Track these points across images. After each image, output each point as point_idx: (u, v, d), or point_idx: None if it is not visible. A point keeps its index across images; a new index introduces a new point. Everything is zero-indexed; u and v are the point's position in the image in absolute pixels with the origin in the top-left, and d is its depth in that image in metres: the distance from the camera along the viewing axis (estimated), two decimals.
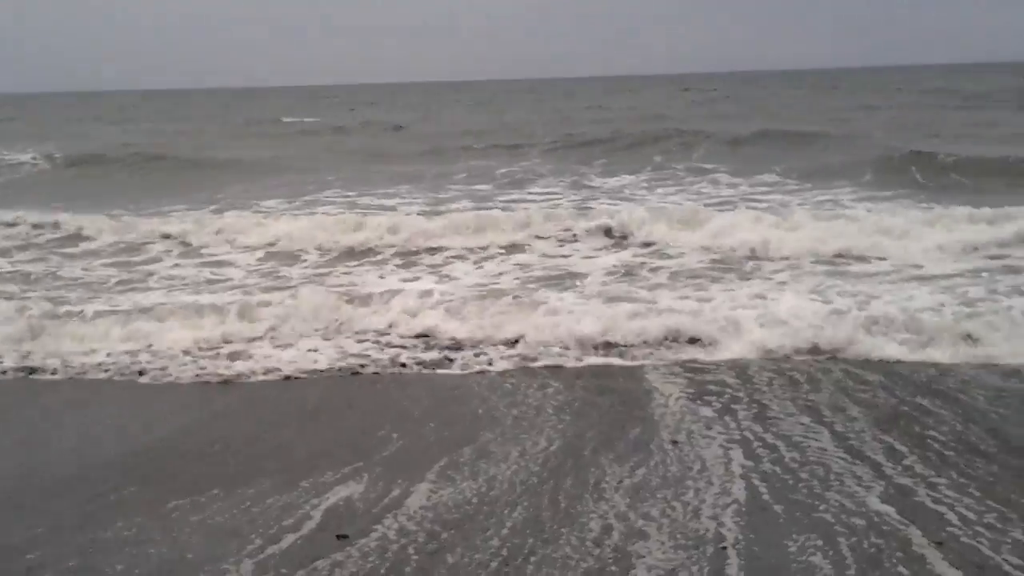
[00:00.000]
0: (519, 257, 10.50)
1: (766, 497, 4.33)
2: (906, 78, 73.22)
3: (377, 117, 43.45)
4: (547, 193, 15.81)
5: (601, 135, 25.04)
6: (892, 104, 37.25)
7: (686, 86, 75.19)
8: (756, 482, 4.50)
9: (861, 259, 9.42)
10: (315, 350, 7.19)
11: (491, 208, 13.84)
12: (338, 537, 4.05)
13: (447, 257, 10.65)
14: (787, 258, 9.43)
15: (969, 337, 6.62)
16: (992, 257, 9.23)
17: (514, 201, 14.90)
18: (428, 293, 8.34)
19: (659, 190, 15.84)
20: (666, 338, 6.95)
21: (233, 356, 7.14)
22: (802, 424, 5.34)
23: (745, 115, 33.68)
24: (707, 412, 5.61)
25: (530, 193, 15.99)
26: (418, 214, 12.82)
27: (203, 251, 11.50)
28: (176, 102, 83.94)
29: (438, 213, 13.11)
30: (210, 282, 9.83)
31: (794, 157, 18.72)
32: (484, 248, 10.82)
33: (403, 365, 6.84)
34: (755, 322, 6.97)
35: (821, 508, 4.20)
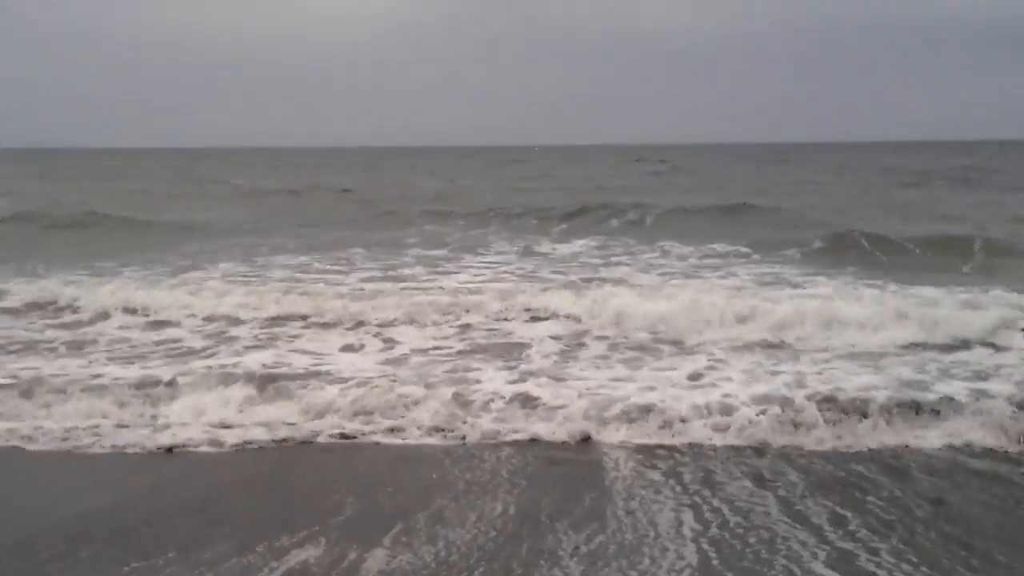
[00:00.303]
0: (466, 319, 10.60)
1: (716, 562, 4.48)
2: (850, 155, 75.30)
3: (327, 181, 43.34)
4: (498, 263, 15.98)
5: (553, 204, 25.44)
6: (838, 180, 38.41)
7: (637, 157, 76.46)
8: (706, 546, 4.67)
9: (801, 339, 9.48)
10: (228, 427, 7.08)
11: (443, 273, 14.11)
12: None
13: (393, 319, 10.61)
14: (729, 340, 9.48)
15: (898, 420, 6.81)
16: (926, 336, 9.37)
17: (465, 267, 15.11)
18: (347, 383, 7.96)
19: (612, 259, 16.15)
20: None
21: (157, 426, 7.07)
22: (746, 488, 5.56)
23: (695, 187, 34.51)
24: (656, 477, 5.79)
25: (482, 261, 16.19)
26: (360, 281, 13.05)
27: (151, 316, 11.26)
28: (129, 161, 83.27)
29: (391, 279, 13.27)
30: (158, 343, 9.78)
31: (742, 232, 19.18)
32: (425, 314, 10.71)
33: (350, 436, 6.81)
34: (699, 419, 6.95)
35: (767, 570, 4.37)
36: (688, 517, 5.10)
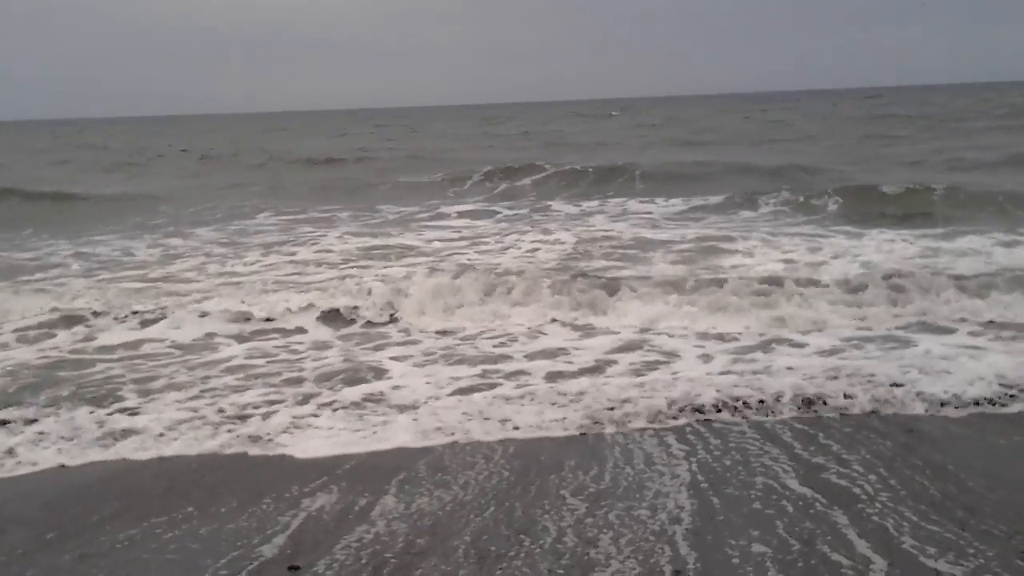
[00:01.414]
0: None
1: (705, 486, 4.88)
2: (838, 103, 75.27)
3: (297, 146, 42.80)
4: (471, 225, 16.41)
5: (526, 162, 25.19)
6: (821, 130, 38.84)
7: (611, 110, 76.54)
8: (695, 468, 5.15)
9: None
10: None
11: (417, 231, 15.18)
12: (290, 568, 4.18)
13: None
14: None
15: None
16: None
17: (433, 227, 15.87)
18: None
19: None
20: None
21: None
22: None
23: (681, 140, 34.89)
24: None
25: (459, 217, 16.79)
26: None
27: None
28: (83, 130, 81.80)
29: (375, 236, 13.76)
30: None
31: (735, 184, 19.47)
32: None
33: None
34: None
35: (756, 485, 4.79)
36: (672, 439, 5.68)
